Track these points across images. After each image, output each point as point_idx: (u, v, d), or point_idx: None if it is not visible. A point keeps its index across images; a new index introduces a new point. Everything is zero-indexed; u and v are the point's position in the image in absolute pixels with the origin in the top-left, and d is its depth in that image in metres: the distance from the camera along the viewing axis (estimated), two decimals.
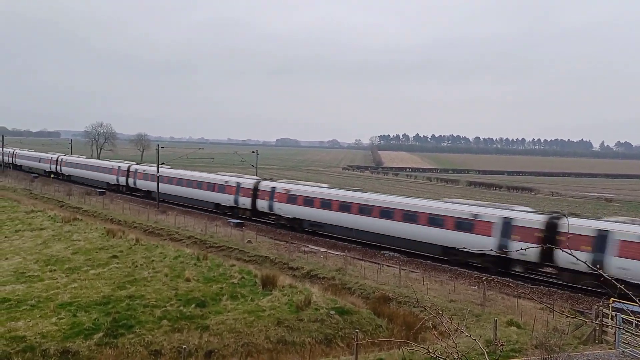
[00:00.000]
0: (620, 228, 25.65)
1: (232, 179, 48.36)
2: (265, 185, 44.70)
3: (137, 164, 65.60)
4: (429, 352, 4.08)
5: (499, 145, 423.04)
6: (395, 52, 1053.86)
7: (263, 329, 18.56)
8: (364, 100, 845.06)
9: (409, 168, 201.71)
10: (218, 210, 48.86)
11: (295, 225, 41.43)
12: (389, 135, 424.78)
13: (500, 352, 13.59)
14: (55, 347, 16.31)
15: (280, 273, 25.68)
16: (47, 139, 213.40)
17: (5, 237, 34.24)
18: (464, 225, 30.91)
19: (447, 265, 31.24)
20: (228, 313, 19.46)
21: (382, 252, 34.65)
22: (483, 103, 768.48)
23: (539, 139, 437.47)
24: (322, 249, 34.65)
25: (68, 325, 17.78)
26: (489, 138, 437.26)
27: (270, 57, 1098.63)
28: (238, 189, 46.89)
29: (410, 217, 33.49)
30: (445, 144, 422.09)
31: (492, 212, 30.42)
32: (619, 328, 15.66)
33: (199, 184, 51.04)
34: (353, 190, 41.64)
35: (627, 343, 15.79)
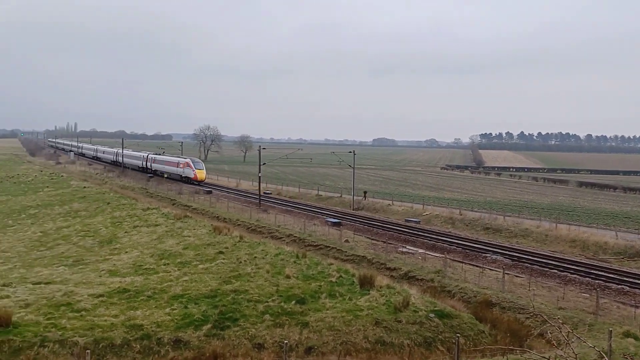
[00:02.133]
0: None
1: (139, 154, 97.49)
2: (151, 156, 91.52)
3: None
4: (546, 359, 3.91)
5: (613, 143, 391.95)
6: (496, 43, 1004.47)
7: (361, 328, 18.61)
8: (464, 96, 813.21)
9: (513, 168, 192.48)
10: (137, 169, 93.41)
11: (158, 174, 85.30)
12: (490, 134, 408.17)
13: None
14: (169, 336, 17.42)
15: (377, 273, 25.55)
16: (162, 142, 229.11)
17: (125, 232, 37.21)
18: (175, 165, 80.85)
19: (555, 271, 29.50)
20: (327, 311, 19.72)
21: (484, 255, 33.43)
22: (595, 97, 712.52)
23: None
24: (420, 250, 34.13)
25: (180, 316, 18.95)
26: (602, 135, 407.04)
27: (368, 57, 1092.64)
28: (141, 158, 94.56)
29: (169, 163, 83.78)
30: (552, 142, 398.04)
31: (178, 159, 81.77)
32: None
33: (130, 156, 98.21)
34: (171, 155, 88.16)
35: None
